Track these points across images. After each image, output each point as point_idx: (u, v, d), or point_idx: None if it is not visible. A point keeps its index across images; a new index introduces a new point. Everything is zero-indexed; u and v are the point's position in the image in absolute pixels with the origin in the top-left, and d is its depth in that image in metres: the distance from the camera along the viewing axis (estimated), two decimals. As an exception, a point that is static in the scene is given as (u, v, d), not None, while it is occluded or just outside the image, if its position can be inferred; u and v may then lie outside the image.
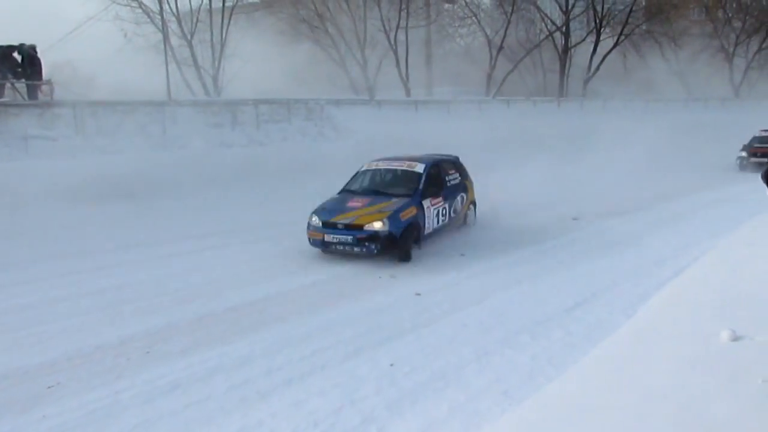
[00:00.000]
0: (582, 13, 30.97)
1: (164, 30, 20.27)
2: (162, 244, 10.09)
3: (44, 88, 16.19)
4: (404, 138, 18.29)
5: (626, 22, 30.80)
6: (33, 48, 15.87)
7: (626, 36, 31.10)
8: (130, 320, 6.62)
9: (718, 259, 5.66)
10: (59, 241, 10.04)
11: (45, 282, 7.89)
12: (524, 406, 2.81)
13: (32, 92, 15.90)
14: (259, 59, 21.62)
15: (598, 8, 30.24)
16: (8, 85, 15.71)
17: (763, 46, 37.26)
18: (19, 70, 15.72)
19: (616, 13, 31.34)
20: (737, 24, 37.14)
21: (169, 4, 20.95)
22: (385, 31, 23.97)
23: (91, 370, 5.39)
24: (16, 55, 15.77)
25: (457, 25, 31.68)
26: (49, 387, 5.07)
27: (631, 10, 30.95)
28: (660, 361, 2.86)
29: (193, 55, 21.37)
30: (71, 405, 4.78)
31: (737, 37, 36.77)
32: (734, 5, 38.76)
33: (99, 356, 5.68)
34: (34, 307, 7.00)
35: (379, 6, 23.85)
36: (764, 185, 1.81)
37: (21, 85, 15.91)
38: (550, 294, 7.32)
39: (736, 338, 2.91)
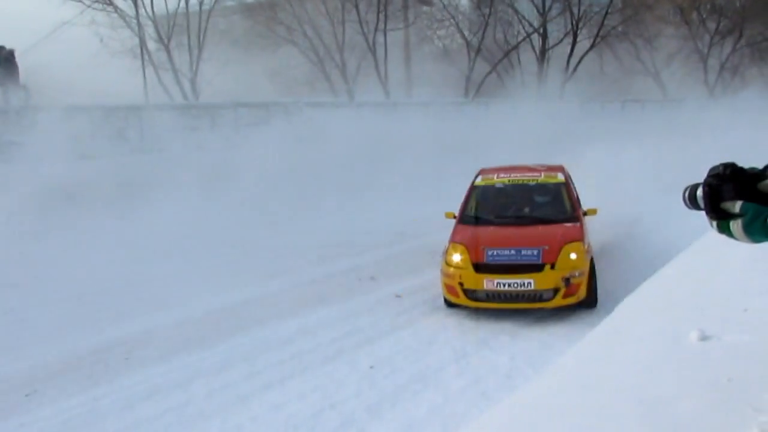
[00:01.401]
0: (559, 15, 31.25)
1: (140, 34, 20.14)
2: (138, 248, 10.04)
3: (20, 93, 16.03)
4: (384, 140, 18.33)
5: (602, 24, 31.17)
6: (11, 53, 15.73)
7: (602, 38, 31.46)
8: (108, 326, 6.58)
9: (693, 258, 5.75)
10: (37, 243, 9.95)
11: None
12: (497, 408, 2.85)
13: (8, 98, 15.74)
14: (238, 62, 21.54)
15: (575, 10, 30.56)
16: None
17: (737, 47, 37.93)
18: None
19: (593, 15, 31.69)
20: (711, 25, 37.78)
21: (145, 8, 20.77)
22: (364, 34, 23.99)
23: (69, 377, 5.34)
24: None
25: (435, 27, 31.81)
26: (26, 395, 5.02)
27: (606, 12, 31.32)
28: (632, 360, 2.92)
29: (170, 58, 21.19)
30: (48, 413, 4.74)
31: (711, 38, 37.39)
32: (708, 7, 39.43)
33: (77, 363, 5.63)
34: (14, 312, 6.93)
35: (357, 9, 23.86)
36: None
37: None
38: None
39: (705, 338, 2.97)
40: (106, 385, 5.15)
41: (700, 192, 1.56)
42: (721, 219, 1.50)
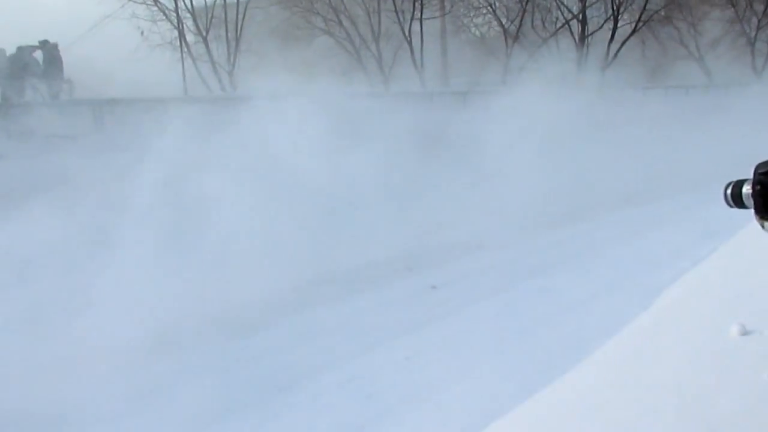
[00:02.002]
0: (598, 0, 30.57)
1: (180, 27, 20.47)
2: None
3: (64, 86, 16.51)
4: (420, 130, 18.26)
5: (644, 8, 30.37)
6: (55, 47, 16.16)
7: (644, 22, 30.65)
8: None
9: (736, 249, 5.61)
10: None
11: None
12: (532, 401, 2.84)
13: (53, 91, 16.21)
14: (275, 54, 21.69)
15: (616, -5, 29.86)
16: (28, 84, 16.03)
17: (787, 29, 36.52)
18: (39, 69, 16.06)
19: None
20: (759, 7, 36.44)
21: (183, 1, 21.11)
22: (400, 23, 23.90)
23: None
24: (37, 54, 16.10)
25: (472, 15, 31.47)
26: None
27: (648, -3, 30.51)
28: (669, 355, 2.88)
29: (208, 51, 21.51)
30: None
31: (759, 21, 36.07)
32: (756, -12, 38.11)
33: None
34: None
35: (393, -2, 23.80)
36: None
37: (41, 84, 16.22)
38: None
39: (745, 332, 2.91)
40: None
41: (746, 189, 1.47)
42: None
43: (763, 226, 1.46)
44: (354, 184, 10.16)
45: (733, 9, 35.71)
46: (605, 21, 30.46)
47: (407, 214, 10.25)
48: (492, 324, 6.02)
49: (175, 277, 6.27)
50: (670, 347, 2.97)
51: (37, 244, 6.52)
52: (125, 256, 6.52)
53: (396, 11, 23.75)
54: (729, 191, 1.51)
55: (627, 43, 30.11)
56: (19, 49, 15.80)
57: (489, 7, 29.60)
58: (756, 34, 36.16)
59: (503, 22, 29.16)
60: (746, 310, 3.32)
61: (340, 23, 23.78)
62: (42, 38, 16.06)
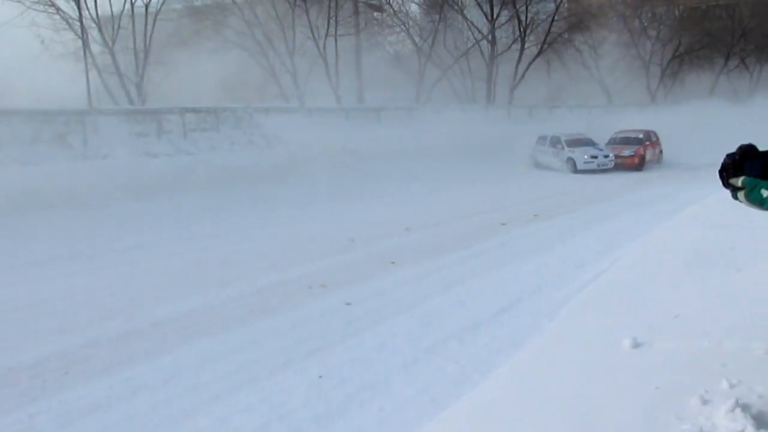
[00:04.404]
0: (507, 22, 31.89)
1: (84, 37, 19.59)
2: (80, 257, 9.78)
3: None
4: (336, 145, 18.33)
5: (548, 31, 31.96)
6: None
7: (549, 44, 32.24)
8: (48, 339, 6.37)
9: (633, 263, 5.96)
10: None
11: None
12: (434, 423, 2.90)
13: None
14: (186, 67, 21.19)
15: (522, 18, 31.23)
16: None
17: (676, 53, 39.40)
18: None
19: (540, 22, 32.46)
20: (652, 33, 39.18)
21: (88, 9, 20.22)
22: (314, 39, 23.96)
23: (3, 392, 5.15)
24: None
25: (386, 33, 32.04)
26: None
27: (553, 20, 32.15)
28: (566, 370, 3.02)
29: (114, 62, 20.70)
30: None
31: (652, 45, 38.76)
32: (649, 15, 40.91)
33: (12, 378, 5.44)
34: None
35: (307, 14, 23.82)
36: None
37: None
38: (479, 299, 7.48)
39: (636, 345, 3.10)
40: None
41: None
42: (735, 191, 2.01)
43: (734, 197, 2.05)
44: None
45: (628, 34, 38.22)
46: (513, 42, 31.78)
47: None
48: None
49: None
50: (568, 362, 3.11)
51: None
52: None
53: (310, 27, 23.79)
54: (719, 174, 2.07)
55: (533, 64, 31.52)
56: None
57: (402, 26, 30.23)
58: (650, 58, 38.83)
59: (416, 41, 29.85)
60: (639, 322, 3.54)
61: (254, 38, 23.55)
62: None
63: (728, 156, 2.06)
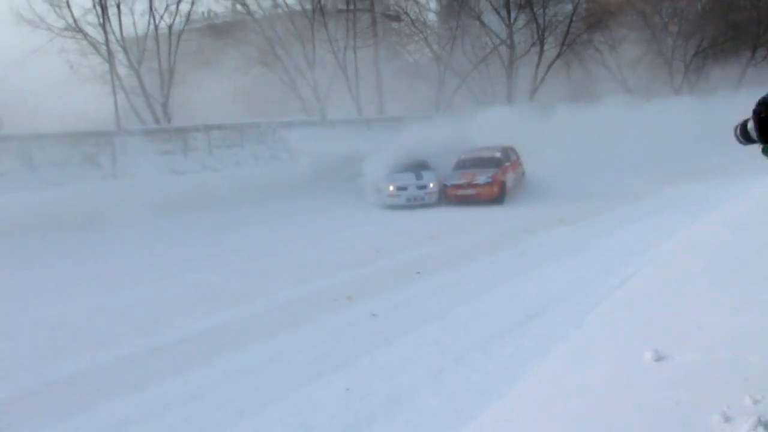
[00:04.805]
0: (525, 25, 31.80)
1: (110, 60, 20.10)
2: (118, 273, 10.08)
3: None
4: (358, 156, 18.47)
5: (567, 33, 31.78)
6: (-19, 83, 15.66)
7: (568, 46, 32.05)
8: (80, 354, 6.60)
9: (655, 272, 5.95)
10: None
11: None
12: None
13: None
14: (208, 84, 21.57)
15: (540, 21, 31.12)
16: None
17: (699, 48, 38.77)
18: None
19: (558, 24, 32.31)
20: (674, 29, 38.66)
21: (114, 33, 20.74)
22: (334, 52, 24.20)
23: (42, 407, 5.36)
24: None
25: (404, 42, 32.19)
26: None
27: (571, 21, 31.95)
28: (587, 383, 3.06)
29: (141, 83, 21.18)
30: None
31: (674, 41, 38.22)
32: (669, 11, 40.37)
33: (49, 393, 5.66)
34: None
35: (326, 27, 24.08)
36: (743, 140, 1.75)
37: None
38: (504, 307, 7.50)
39: (659, 358, 3.13)
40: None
41: (750, 124, 1.77)
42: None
43: (764, 152, 1.80)
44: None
45: (649, 30, 37.74)
46: (532, 45, 31.66)
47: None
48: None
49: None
50: (590, 376, 3.16)
51: None
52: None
53: (329, 40, 24.04)
54: (738, 131, 1.82)
55: (553, 66, 31.36)
56: (-55, 83, 15.25)
57: (420, 34, 30.33)
58: (672, 54, 38.29)
59: (435, 49, 29.93)
60: (661, 334, 3.57)
61: (275, 53, 23.87)
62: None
63: (762, 102, 1.85)
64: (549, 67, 31.12)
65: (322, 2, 24.59)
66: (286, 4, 25.23)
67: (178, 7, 22.36)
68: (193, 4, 23.14)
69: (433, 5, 33.71)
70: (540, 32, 31.16)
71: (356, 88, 24.73)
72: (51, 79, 19.21)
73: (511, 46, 30.71)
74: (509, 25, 30.36)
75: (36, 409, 5.40)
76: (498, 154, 17.44)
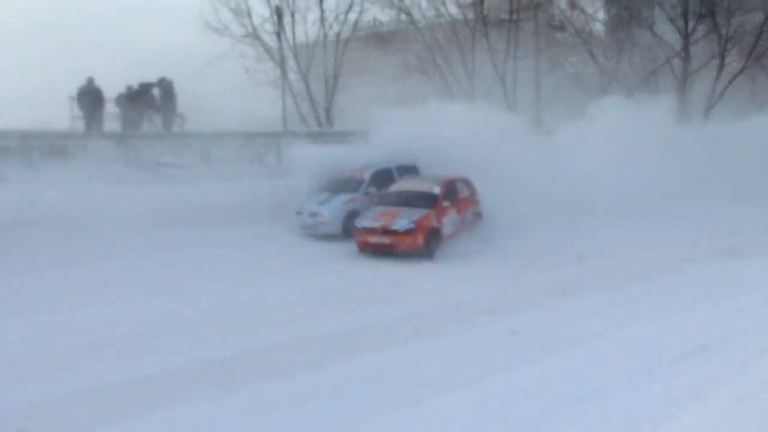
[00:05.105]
0: (704, 36, 29.30)
1: (282, 66, 21.65)
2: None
3: (177, 120, 17.93)
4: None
5: (755, 44, 28.79)
6: (170, 84, 17.64)
7: (756, 59, 29.04)
8: (235, 339, 7.20)
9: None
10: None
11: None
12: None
13: (167, 124, 17.63)
14: (368, 91, 22.42)
15: (723, 31, 28.52)
16: (146, 117, 17.56)
17: None
18: (156, 104, 17.55)
19: (744, 34, 29.37)
20: None
21: (287, 41, 22.32)
22: (493, 62, 24.05)
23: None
24: (154, 90, 17.62)
25: (567, 53, 31.07)
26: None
27: (761, 32, 28.88)
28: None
29: (308, 88, 22.59)
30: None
31: None
32: None
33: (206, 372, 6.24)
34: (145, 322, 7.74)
35: (487, 37, 24.03)
36: None
37: (157, 117, 17.72)
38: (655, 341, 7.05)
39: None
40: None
41: None
42: None
43: None
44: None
45: None
46: (711, 58, 29.12)
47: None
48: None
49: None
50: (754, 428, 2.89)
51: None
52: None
53: (490, 50, 23.94)
54: None
55: (734, 81, 28.62)
56: (141, 85, 17.34)
57: (585, 45, 29.18)
58: None
59: (600, 61, 28.64)
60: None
61: (434, 61, 24.23)
62: (161, 75, 17.57)
63: None
64: (730, 81, 28.42)
65: (485, 12, 24.56)
66: (449, 14, 25.54)
67: (347, 16, 23.56)
68: (361, 13, 24.25)
69: (600, 15, 32.26)
70: (722, 44, 28.58)
71: (513, 98, 24.39)
72: (229, 82, 21.12)
73: (686, 59, 28.49)
74: (686, 36, 28.19)
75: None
76: (436, 190, 12.85)
